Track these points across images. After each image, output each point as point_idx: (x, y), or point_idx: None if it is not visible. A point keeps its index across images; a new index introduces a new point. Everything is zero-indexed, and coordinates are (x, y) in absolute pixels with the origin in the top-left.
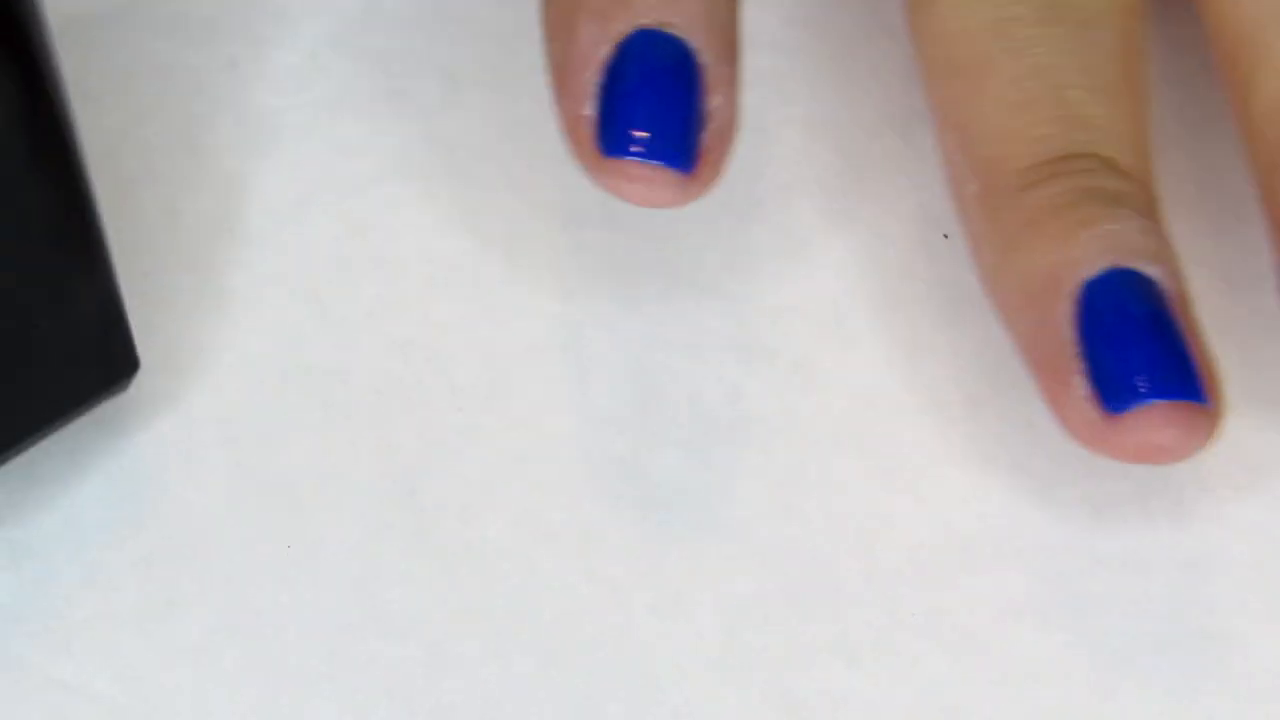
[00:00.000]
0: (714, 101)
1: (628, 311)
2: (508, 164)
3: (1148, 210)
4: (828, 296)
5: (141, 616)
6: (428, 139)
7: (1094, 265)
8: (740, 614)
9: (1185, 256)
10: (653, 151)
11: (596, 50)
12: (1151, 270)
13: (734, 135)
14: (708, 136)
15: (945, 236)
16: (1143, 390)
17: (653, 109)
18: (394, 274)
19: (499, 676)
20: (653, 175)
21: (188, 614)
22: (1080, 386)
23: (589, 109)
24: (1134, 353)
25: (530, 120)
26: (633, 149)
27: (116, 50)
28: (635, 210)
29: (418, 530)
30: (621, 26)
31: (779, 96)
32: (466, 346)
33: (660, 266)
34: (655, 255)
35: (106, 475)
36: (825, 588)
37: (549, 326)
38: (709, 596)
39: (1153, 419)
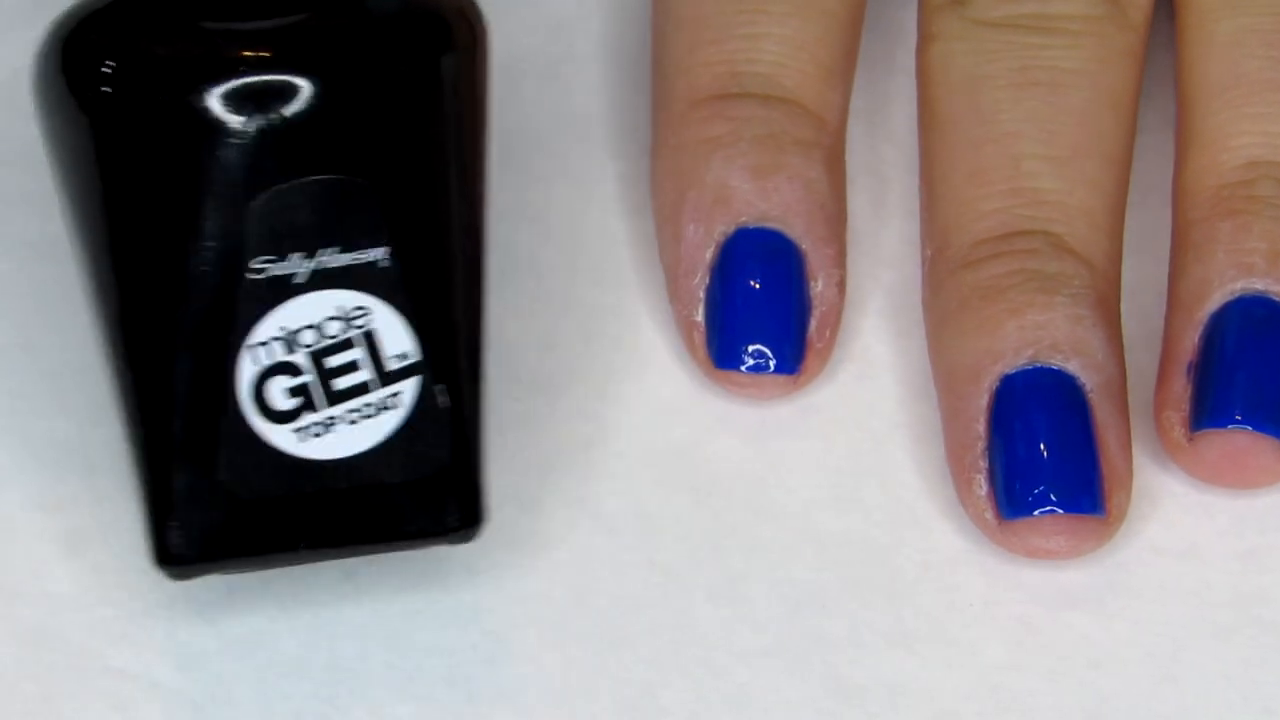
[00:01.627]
0: (816, 287)
1: None
2: (564, 155)
3: (1090, 293)
4: (885, 285)
5: (202, 605)
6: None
7: (1013, 360)
8: (798, 601)
9: None
10: (760, 364)
11: (702, 253)
12: (1072, 365)
13: (838, 318)
14: (813, 326)
15: None
16: (1033, 501)
17: (757, 316)
18: None
19: (558, 664)
20: (761, 382)
21: (248, 603)
22: (980, 485)
23: (699, 315)
24: (1032, 460)
25: (585, 111)
26: (744, 365)
27: None
28: None
29: None
30: (724, 227)
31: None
32: (524, 337)
33: None
34: None
35: None
36: (883, 576)
37: (606, 317)
38: (767, 584)
39: (1042, 528)
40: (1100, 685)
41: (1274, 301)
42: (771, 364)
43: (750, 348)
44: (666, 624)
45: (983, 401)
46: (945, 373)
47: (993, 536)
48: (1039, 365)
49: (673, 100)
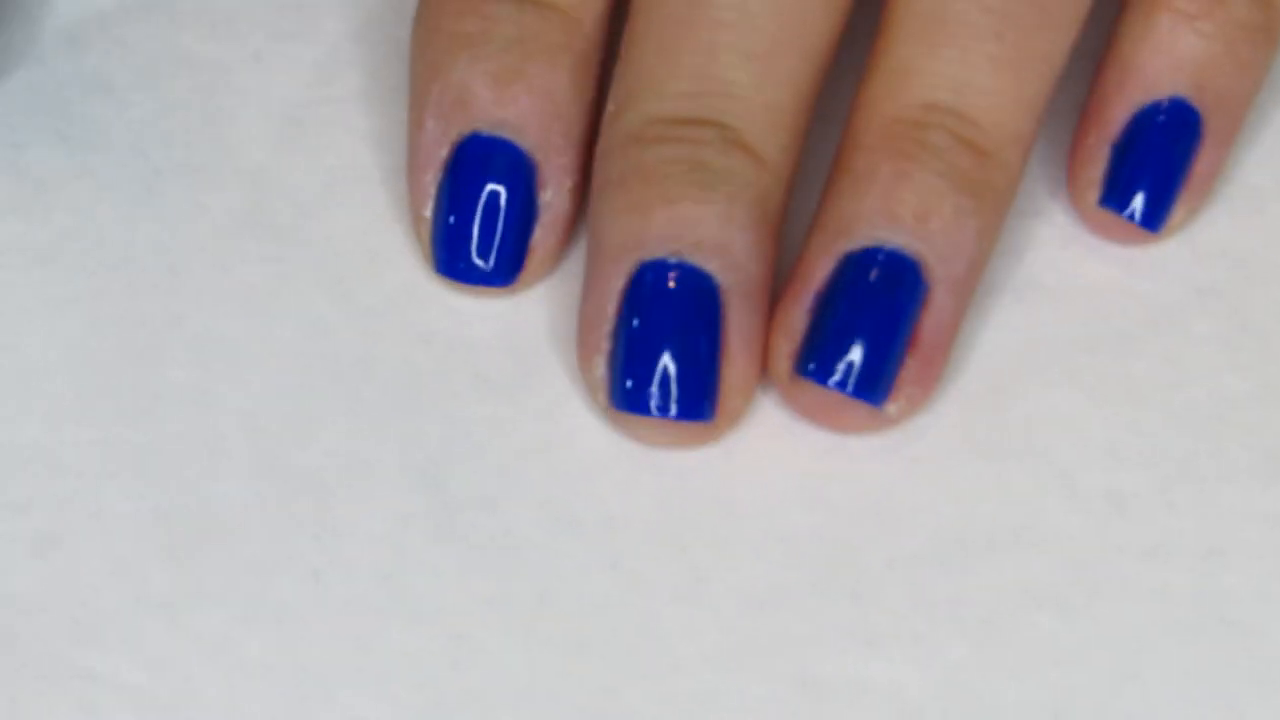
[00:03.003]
0: (545, 197)
1: None
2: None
3: (750, 193)
4: None
5: (169, 606)
6: None
7: (654, 249)
8: (763, 601)
9: (1204, 245)
10: (475, 272)
11: (438, 150)
12: (712, 265)
13: (566, 225)
14: (536, 234)
15: None
16: (642, 399)
17: (477, 225)
18: (417, 265)
19: (523, 665)
20: (480, 288)
21: (215, 604)
22: (599, 367)
23: (428, 211)
24: (649, 356)
25: None
26: (462, 276)
27: (141, 44)
28: None
29: (442, 521)
30: (460, 129)
31: None
32: (490, 337)
33: None
34: None
35: (133, 465)
36: (847, 575)
37: (572, 317)
38: (731, 584)
39: (647, 424)
40: (1064, 684)
41: (908, 259)
42: (489, 273)
43: (469, 252)
44: (631, 625)
45: (618, 284)
46: (593, 244)
47: (604, 417)
48: (679, 260)
49: None
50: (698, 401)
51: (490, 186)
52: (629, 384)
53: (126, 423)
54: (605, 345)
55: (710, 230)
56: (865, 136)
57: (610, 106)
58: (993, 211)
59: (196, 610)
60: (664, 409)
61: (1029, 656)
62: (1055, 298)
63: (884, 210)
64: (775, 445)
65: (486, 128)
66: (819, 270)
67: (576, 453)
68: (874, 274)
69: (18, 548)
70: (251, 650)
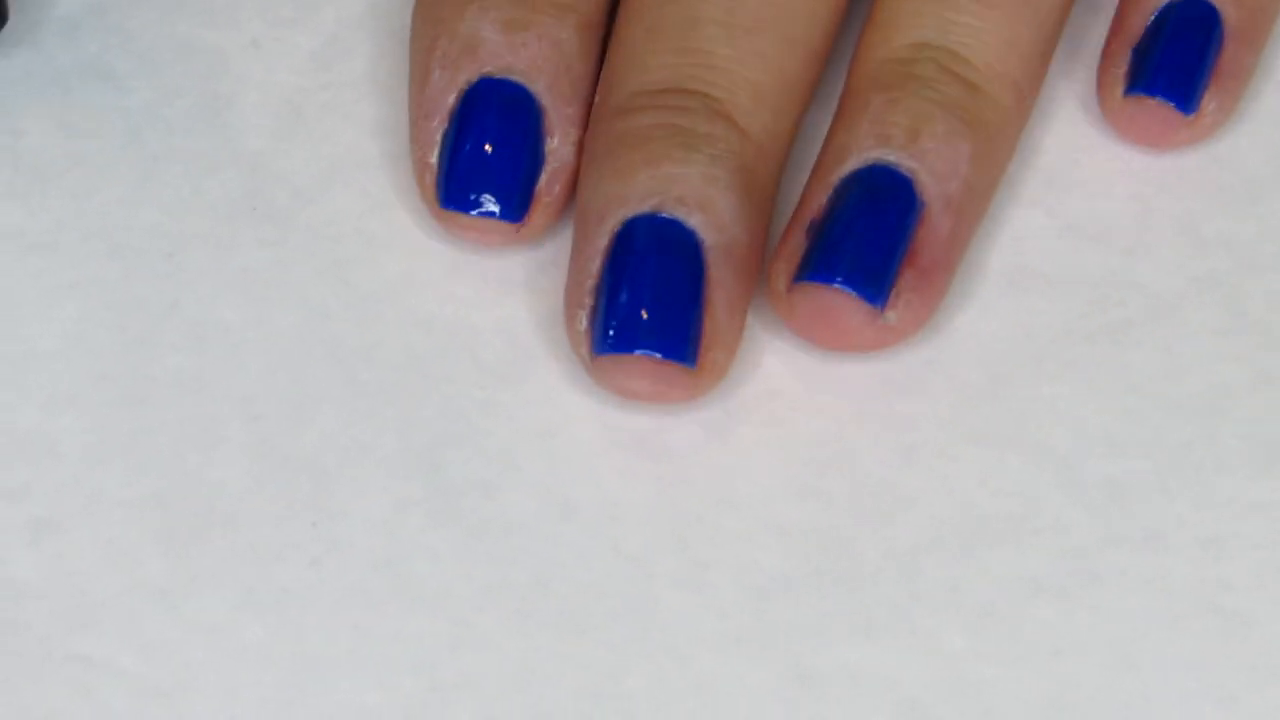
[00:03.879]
0: (551, 144)
1: None
2: None
3: (734, 159)
4: None
5: (165, 592)
6: None
7: (637, 205)
8: (761, 589)
9: (1203, 234)
10: (484, 209)
11: (445, 98)
12: (694, 220)
13: (571, 177)
14: (543, 180)
15: None
16: (623, 339)
17: (488, 163)
18: (416, 252)
19: (522, 651)
20: (484, 226)
21: (211, 590)
22: (581, 321)
23: (433, 158)
24: (633, 302)
25: None
26: (469, 207)
27: (141, 31)
28: None
29: (441, 506)
30: (468, 75)
31: None
32: (489, 323)
33: None
34: None
35: (130, 451)
36: (845, 564)
37: None
38: (730, 572)
39: (628, 367)
40: (1062, 673)
41: (900, 174)
42: (496, 210)
43: (476, 194)
44: (630, 611)
45: (603, 242)
46: (579, 213)
47: (589, 372)
48: (661, 215)
49: None
50: (680, 342)
51: (500, 127)
52: (612, 327)
53: (124, 409)
54: (589, 301)
55: (693, 186)
56: (857, 81)
57: (600, 88)
58: (986, 140)
59: (194, 597)
60: (646, 344)
61: (1027, 646)
62: (1052, 286)
63: (875, 133)
64: (773, 434)
65: (496, 72)
66: (815, 200)
67: (575, 439)
68: (867, 190)
69: (15, 534)
70: (249, 636)
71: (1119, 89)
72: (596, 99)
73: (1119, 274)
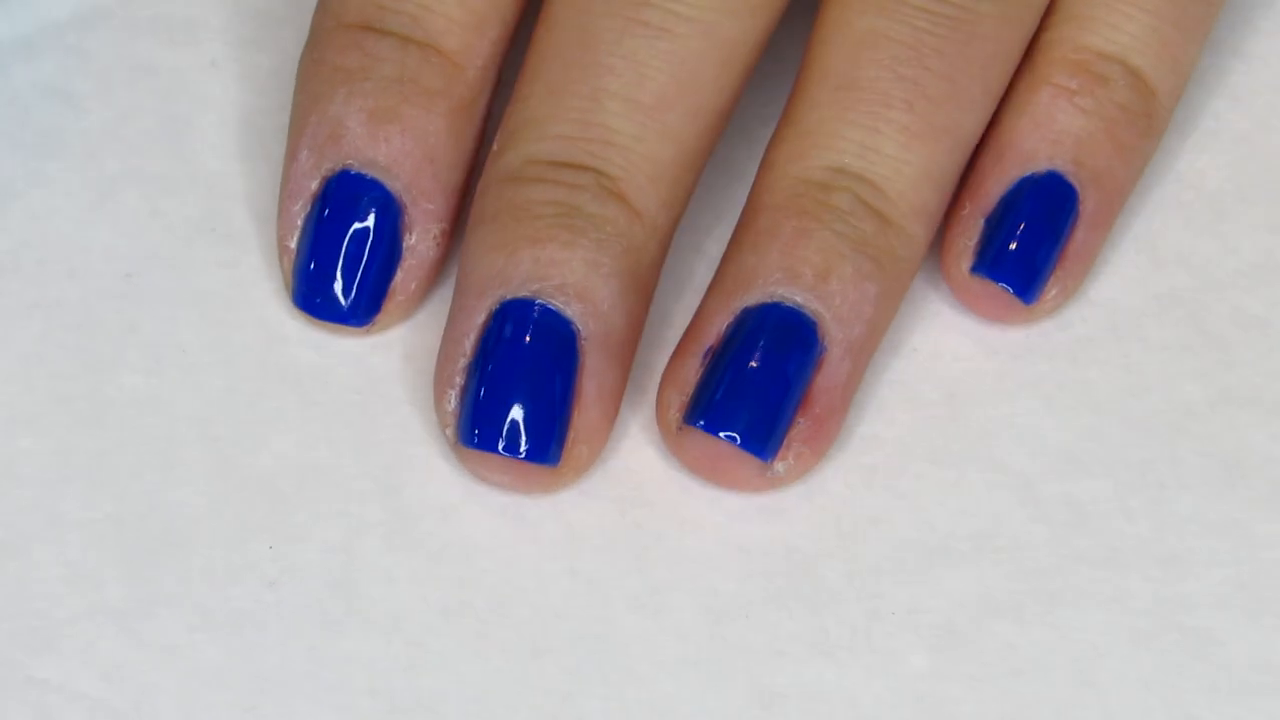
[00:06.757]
0: (409, 240)
1: None
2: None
3: (621, 243)
4: None
5: (124, 615)
6: None
7: (516, 289)
8: (721, 611)
9: (1164, 252)
10: (332, 307)
11: (308, 182)
12: (573, 310)
13: (429, 272)
14: (398, 277)
15: None
16: (485, 438)
17: (339, 260)
18: None
19: (480, 673)
20: (332, 327)
21: (170, 612)
22: (451, 401)
23: (293, 241)
24: (497, 394)
25: None
26: (316, 311)
27: (99, 51)
28: None
29: (398, 529)
30: (331, 164)
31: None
32: None
33: None
34: None
35: (88, 473)
36: (805, 585)
37: None
38: (689, 593)
39: (489, 463)
40: (1023, 693)
41: (805, 317)
42: (345, 311)
43: (328, 289)
44: (589, 633)
45: (479, 319)
46: (460, 278)
47: (452, 451)
48: (539, 301)
49: (325, 15)
50: (544, 445)
51: (355, 225)
52: (477, 421)
53: (82, 430)
54: (459, 380)
55: (575, 274)
56: (770, 196)
57: (495, 145)
58: (894, 278)
59: (152, 618)
60: (510, 449)
61: (987, 666)
62: None
63: (784, 266)
64: None
65: (358, 165)
66: (714, 324)
67: None
68: (769, 331)
69: None
70: (207, 658)
71: (965, 262)
72: (493, 147)
73: (1079, 291)
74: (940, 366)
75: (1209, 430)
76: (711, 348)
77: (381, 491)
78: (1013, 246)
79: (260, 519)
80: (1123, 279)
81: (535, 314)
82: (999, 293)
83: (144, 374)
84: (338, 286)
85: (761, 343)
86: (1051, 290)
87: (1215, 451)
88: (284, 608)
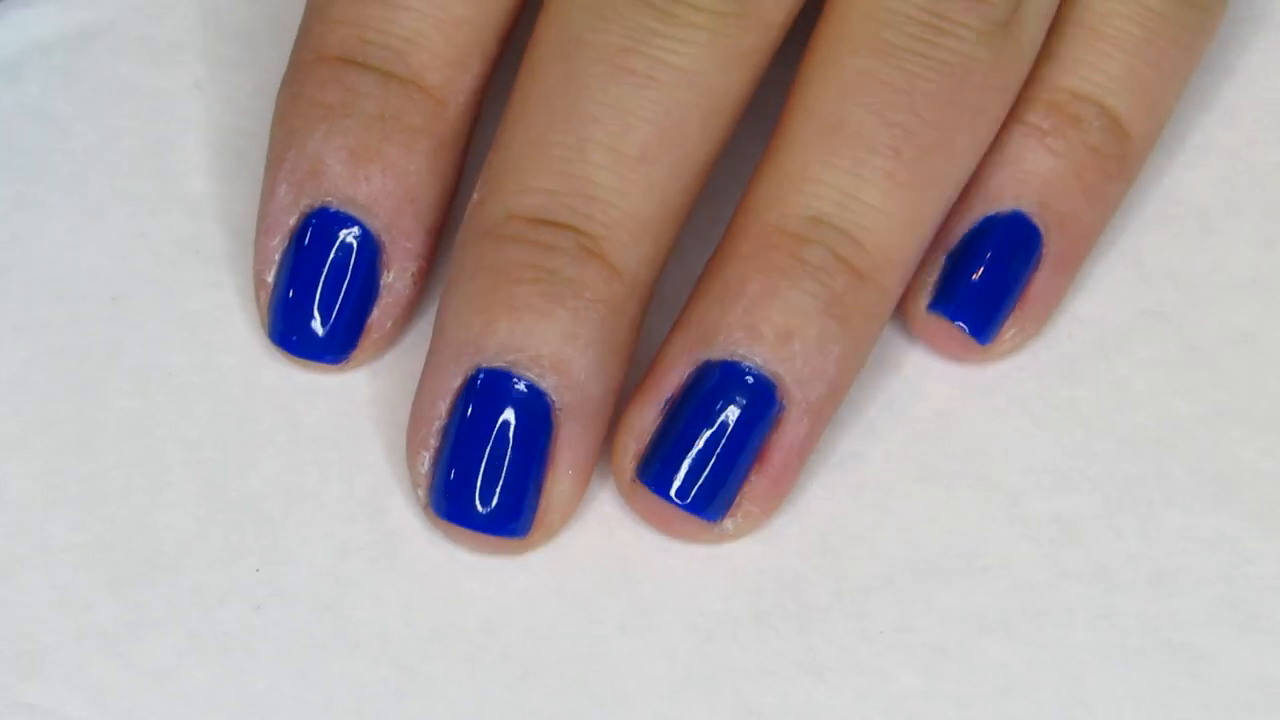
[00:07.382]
0: (387, 279)
1: None
2: (472, 187)
3: (599, 309)
4: None
5: (112, 638)
6: None
7: (491, 359)
8: (709, 631)
9: (1152, 267)
10: (307, 344)
11: (286, 217)
12: (548, 382)
13: (405, 309)
14: (375, 314)
15: None
16: (455, 512)
17: (316, 297)
18: None
19: (469, 695)
20: (307, 364)
21: (158, 635)
22: (424, 463)
23: (270, 276)
24: (469, 468)
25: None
26: (294, 338)
27: (83, 73)
28: None
29: (385, 551)
30: (310, 200)
31: None
32: None
33: None
34: None
35: (76, 496)
36: (794, 604)
37: None
38: (678, 613)
39: (458, 533)
40: (1012, 711)
41: (765, 379)
42: (320, 348)
43: (304, 325)
44: (578, 654)
45: (454, 383)
46: (436, 333)
47: (427, 517)
48: (513, 372)
49: (304, 47)
50: (513, 518)
51: (333, 261)
52: (449, 495)
53: (69, 454)
54: (433, 443)
55: (551, 346)
56: (743, 244)
57: (476, 193)
58: (860, 338)
59: (140, 642)
60: (480, 525)
61: (976, 684)
62: None
63: (747, 325)
64: None
65: (336, 203)
66: (674, 374)
67: None
68: (727, 390)
69: None
70: (194, 681)
71: (924, 299)
72: (474, 195)
73: (1067, 308)
74: (928, 384)
75: (1198, 446)
76: (671, 397)
77: (369, 514)
78: (971, 285)
79: (248, 541)
80: (1110, 295)
81: (509, 387)
82: (955, 331)
83: (131, 396)
84: (314, 323)
85: (717, 402)
86: (1009, 331)
87: (1204, 468)
88: (272, 630)
